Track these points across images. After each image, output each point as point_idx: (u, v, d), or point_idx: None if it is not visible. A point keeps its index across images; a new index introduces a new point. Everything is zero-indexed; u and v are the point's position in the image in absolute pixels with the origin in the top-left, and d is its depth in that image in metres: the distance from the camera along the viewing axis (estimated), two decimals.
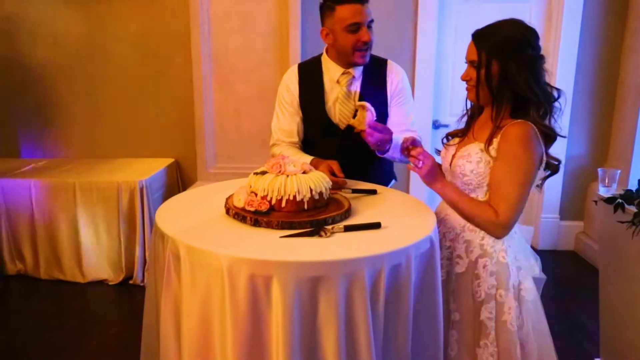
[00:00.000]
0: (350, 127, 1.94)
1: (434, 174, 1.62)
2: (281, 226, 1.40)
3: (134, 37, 3.64)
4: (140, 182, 3.27)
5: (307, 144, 2.15)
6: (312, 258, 1.23)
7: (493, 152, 1.55)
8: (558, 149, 3.51)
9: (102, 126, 3.81)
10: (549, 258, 3.59)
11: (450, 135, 1.76)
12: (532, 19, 3.59)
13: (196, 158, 3.61)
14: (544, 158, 1.55)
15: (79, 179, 3.28)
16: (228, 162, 3.61)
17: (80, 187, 3.25)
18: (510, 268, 1.56)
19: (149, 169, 3.52)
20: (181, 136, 3.79)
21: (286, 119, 2.11)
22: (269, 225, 1.41)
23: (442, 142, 1.77)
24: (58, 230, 3.28)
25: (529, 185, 1.53)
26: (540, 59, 1.55)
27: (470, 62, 1.60)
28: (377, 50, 3.56)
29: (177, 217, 1.50)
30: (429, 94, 3.62)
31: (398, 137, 1.85)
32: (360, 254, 1.25)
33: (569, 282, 3.40)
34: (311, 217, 1.45)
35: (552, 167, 1.60)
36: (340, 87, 2.04)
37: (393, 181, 2.25)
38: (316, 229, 1.39)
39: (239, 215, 1.45)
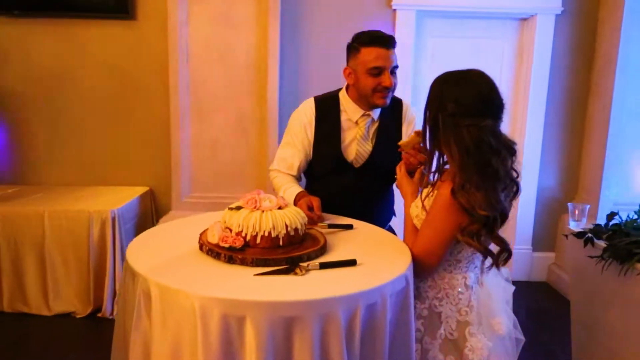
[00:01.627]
0: (365, 165, 2.03)
1: (401, 188, 1.75)
2: (256, 263, 1.38)
3: (110, 64, 3.61)
4: (113, 212, 3.20)
5: (318, 180, 2.15)
6: (286, 298, 1.21)
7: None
8: (530, 180, 3.64)
9: (74, 153, 3.74)
10: (521, 289, 3.62)
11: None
12: (504, 56, 3.73)
13: (171, 187, 3.57)
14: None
15: (49, 207, 3.20)
16: (203, 191, 3.57)
17: (50, 216, 3.16)
18: (443, 318, 1.54)
19: (122, 197, 3.46)
20: (156, 165, 3.75)
21: (291, 153, 2.10)
22: (243, 262, 1.39)
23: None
24: (24, 261, 3.18)
25: (450, 237, 1.51)
26: (469, 125, 1.44)
27: None
28: None
29: (148, 253, 1.47)
30: None
31: None
32: (336, 293, 1.24)
33: (541, 312, 3.42)
34: (286, 253, 1.43)
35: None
36: (358, 128, 2.05)
37: (393, 217, 2.28)
38: (291, 266, 1.37)
39: (213, 251, 1.43)
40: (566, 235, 2.39)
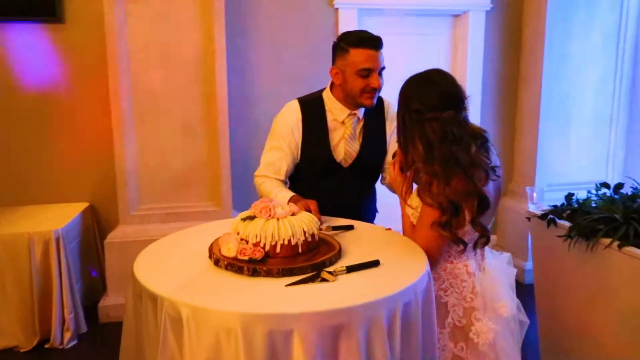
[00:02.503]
0: (354, 164, 2.05)
1: (395, 186, 1.79)
2: (282, 273, 1.34)
3: (37, 72, 3.31)
4: (56, 232, 2.94)
5: (305, 182, 2.11)
6: (332, 306, 1.18)
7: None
8: None
9: (2, 171, 3.38)
10: None
11: None
12: (440, 51, 3.89)
13: (117, 200, 3.33)
14: None
15: None
16: (154, 202, 3.38)
17: None
18: (450, 307, 1.60)
19: (63, 215, 3.19)
20: (96, 178, 3.50)
21: (277, 157, 2.05)
22: (268, 274, 1.34)
23: None
24: None
25: (437, 240, 1.58)
26: (435, 119, 1.53)
27: None
28: (303, 82, 3.60)
29: (162, 273, 1.37)
30: None
31: None
32: (377, 296, 1.23)
33: None
34: (309, 260, 1.40)
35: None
36: (345, 127, 2.04)
37: (376, 214, 2.28)
38: (317, 273, 1.34)
39: (234, 266, 1.36)
40: (528, 218, 2.54)
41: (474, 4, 3.76)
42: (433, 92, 1.55)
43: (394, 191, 1.91)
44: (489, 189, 1.58)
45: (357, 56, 1.89)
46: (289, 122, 2.03)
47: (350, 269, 1.37)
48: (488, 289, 1.65)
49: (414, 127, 1.54)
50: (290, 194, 1.93)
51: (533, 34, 3.73)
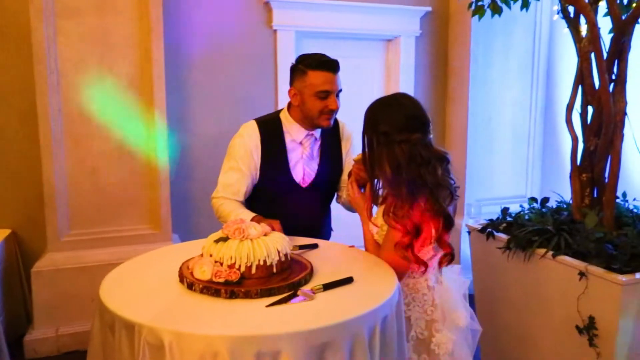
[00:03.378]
0: (312, 184, 2.08)
1: (356, 207, 1.84)
2: (261, 294, 1.33)
3: None
4: None
5: (263, 202, 2.09)
6: (318, 324, 1.19)
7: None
8: None
9: None
10: None
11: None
12: (374, 73, 4.05)
13: (45, 226, 3.12)
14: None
15: None
16: (85, 227, 3.20)
17: None
18: (412, 321, 1.66)
19: None
20: (19, 203, 3.26)
21: (236, 178, 2.03)
22: (247, 296, 1.32)
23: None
24: None
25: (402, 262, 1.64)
26: (403, 141, 1.58)
27: None
28: (241, 103, 3.61)
29: (133, 300, 1.31)
30: None
31: None
32: (360, 312, 1.26)
33: None
34: (285, 280, 1.40)
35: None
36: (303, 148, 2.06)
37: (331, 232, 2.31)
38: (294, 292, 1.35)
39: (210, 289, 1.33)
40: (469, 232, 2.69)
41: (404, 30, 3.97)
42: (400, 114, 1.60)
43: (352, 210, 1.96)
44: (450, 208, 1.66)
45: (316, 78, 1.92)
46: (247, 143, 2.03)
47: (327, 286, 1.39)
48: (445, 301, 1.73)
49: (382, 149, 1.58)
50: (251, 214, 1.91)
51: (458, 59, 3.99)
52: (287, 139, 2.06)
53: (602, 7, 2.43)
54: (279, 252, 1.43)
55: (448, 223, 1.62)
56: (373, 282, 1.48)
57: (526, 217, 2.56)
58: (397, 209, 1.56)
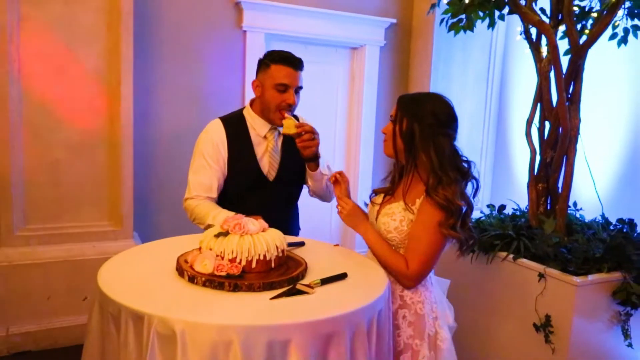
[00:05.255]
0: (278, 177, 2.09)
1: (355, 217, 1.81)
2: (263, 288, 1.36)
3: None
4: None
5: (232, 198, 2.10)
6: (325, 315, 1.25)
7: (414, 212, 1.71)
8: (366, 184, 4.10)
9: None
10: None
11: (375, 192, 1.93)
12: (340, 79, 4.15)
13: None
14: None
15: None
16: (42, 222, 3.08)
17: None
18: (427, 319, 1.71)
19: None
20: None
21: (207, 175, 2.05)
22: (250, 289, 1.36)
23: (369, 198, 1.93)
24: None
25: (442, 244, 1.69)
26: (445, 135, 1.70)
27: (390, 117, 1.83)
28: (209, 101, 3.60)
29: (137, 291, 1.31)
30: None
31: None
32: (361, 304, 1.32)
33: None
34: (284, 275, 1.45)
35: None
36: (267, 142, 2.11)
37: (299, 230, 2.33)
38: (294, 286, 1.39)
39: (213, 282, 1.35)
40: None
41: (369, 40, 4.10)
42: (446, 109, 1.71)
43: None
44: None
45: (277, 72, 2.00)
46: (215, 138, 2.07)
47: (324, 281, 1.45)
48: (439, 299, 1.81)
49: (427, 138, 1.67)
50: (230, 213, 1.91)
51: (420, 69, 4.17)
52: (252, 133, 2.11)
53: (560, 29, 2.64)
54: (277, 247, 1.48)
55: (470, 210, 1.72)
56: (365, 277, 1.55)
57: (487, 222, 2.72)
58: (442, 190, 1.63)
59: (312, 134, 1.99)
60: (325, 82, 4.04)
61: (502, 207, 2.92)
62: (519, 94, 4.10)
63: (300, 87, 2.08)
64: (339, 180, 1.88)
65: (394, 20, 4.12)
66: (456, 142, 1.75)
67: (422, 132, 1.68)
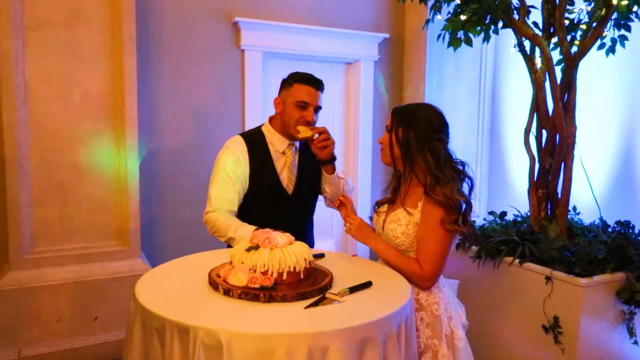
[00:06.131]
0: (296, 190, 2.19)
1: (363, 231, 1.90)
2: (296, 298, 1.42)
3: None
4: None
5: (252, 211, 2.18)
6: (361, 321, 1.31)
7: (418, 215, 1.80)
8: (366, 197, 4.18)
9: None
10: None
11: (378, 204, 2.02)
12: (336, 94, 4.25)
13: (8, 243, 3.00)
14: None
15: None
16: (50, 244, 3.10)
17: None
18: (443, 319, 1.79)
19: None
20: None
21: (229, 189, 2.13)
22: (284, 299, 1.41)
23: (373, 209, 2.01)
24: None
25: (449, 241, 1.79)
26: (439, 139, 1.81)
27: (386, 127, 1.93)
28: (209, 119, 3.65)
29: (179, 306, 1.36)
30: None
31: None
32: (391, 310, 1.39)
33: None
34: (313, 285, 1.51)
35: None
36: (286, 157, 2.21)
37: (314, 242, 2.41)
38: (323, 295, 1.45)
39: (248, 294, 1.41)
40: None
41: (364, 55, 4.20)
42: (437, 117, 1.83)
43: (360, 238, 1.96)
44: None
45: (299, 90, 2.12)
46: (236, 153, 2.16)
47: (352, 289, 1.51)
48: (451, 300, 1.89)
49: (423, 143, 1.78)
50: (250, 227, 1.99)
51: (414, 82, 4.28)
52: (272, 149, 2.21)
53: (551, 40, 2.76)
54: (305, 259, 1.54)
55: (469, 208, 1.80)
56: (389, 285, 1.61)
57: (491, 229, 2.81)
58: (440, 188, 1.73)
59: (327, 134, 2.09)
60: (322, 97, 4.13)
61: (504, 213, 3.01)
62: (510, 102, 4.23)
63: (320, 107, 2.19)
64: (344, 202, 1.98)
65: (387, 35, 4.23)
66: (449, 146, 1.87)
67: (417, 137, 1.79)
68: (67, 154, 3.09)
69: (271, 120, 2.26)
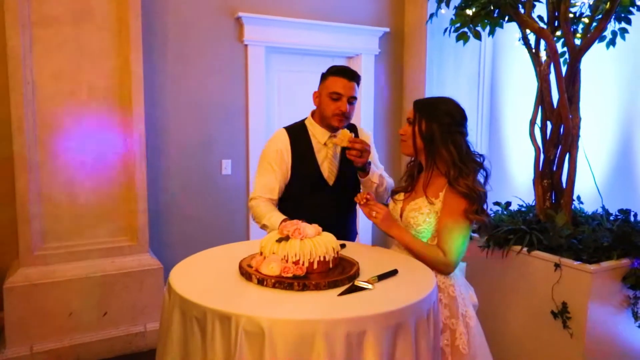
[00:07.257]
0: (337, 181, 2.28)
1: (389, 221, 1.95)
2: (329, 286, 1.47)
3: None
4: None
5: (293, 200, 2.28)
6: (395, 307, 1.36)
7: (439, 204, 1.88)
8: None
9: None
10: None
11: (394, 192, 2.07)
12: None
13: (17, 241, 3.01)
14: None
15: None
16: (60, 240, 3.12)
17: None
18: (458, 300, 1.88)
19: None
20: None
21: (271, 178, 2.25)
22: (317, 288, 1.46)
23: (390, 197, 2.07)
24: None
25: (469, 229, 1.90)
26: (460, 132, 1.90)
27: (407, 120, 1.98)
28: (213, 114, 3.67)
29: (216, 295, 1.40)
30: (261, 143, 3.85)
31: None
32: (421, 296, 1.44)
33: None
34: (343, 273, 1.55)
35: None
36: (327, 149, 2.29)
37: (357, 235, 2.49)
38: (354, 283, 1.50)
39: (282, 283, 1.45)
40: None
41: (365, 49, 4.24)
42: (458, 110, 1.92)
43: (384, 227, 1.98)
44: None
45: (333, 82, 2.21)
46: (279, 145, 2.27)
47: (380, 277, 1.56)
48: (462, 282, 1.96)
49: (446, 135, 1.85)
50: (282, 216, 2.12)
51: (415, 75, 4.33)
52: (313, 141, 2.29)
53: (555, 34, 2.82)
54: (333, 249, 1.58)
55: (485, 198, 1.88)
56: (413, 272, 1.67)
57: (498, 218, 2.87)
58: (463, 180, 1.81)
59: (360, 151, 2.12)
60: None
61: (508, 203, 3.07)
62: (509, 95, 4.29)
63: (354, 98, 2.26)
64: (369, 199, 2.00)
65: (387, 29, 4.27)
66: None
67: (441, 130, 1.87)
68: (75, 150, 3.10)
69: (313, 113, 2.35)
